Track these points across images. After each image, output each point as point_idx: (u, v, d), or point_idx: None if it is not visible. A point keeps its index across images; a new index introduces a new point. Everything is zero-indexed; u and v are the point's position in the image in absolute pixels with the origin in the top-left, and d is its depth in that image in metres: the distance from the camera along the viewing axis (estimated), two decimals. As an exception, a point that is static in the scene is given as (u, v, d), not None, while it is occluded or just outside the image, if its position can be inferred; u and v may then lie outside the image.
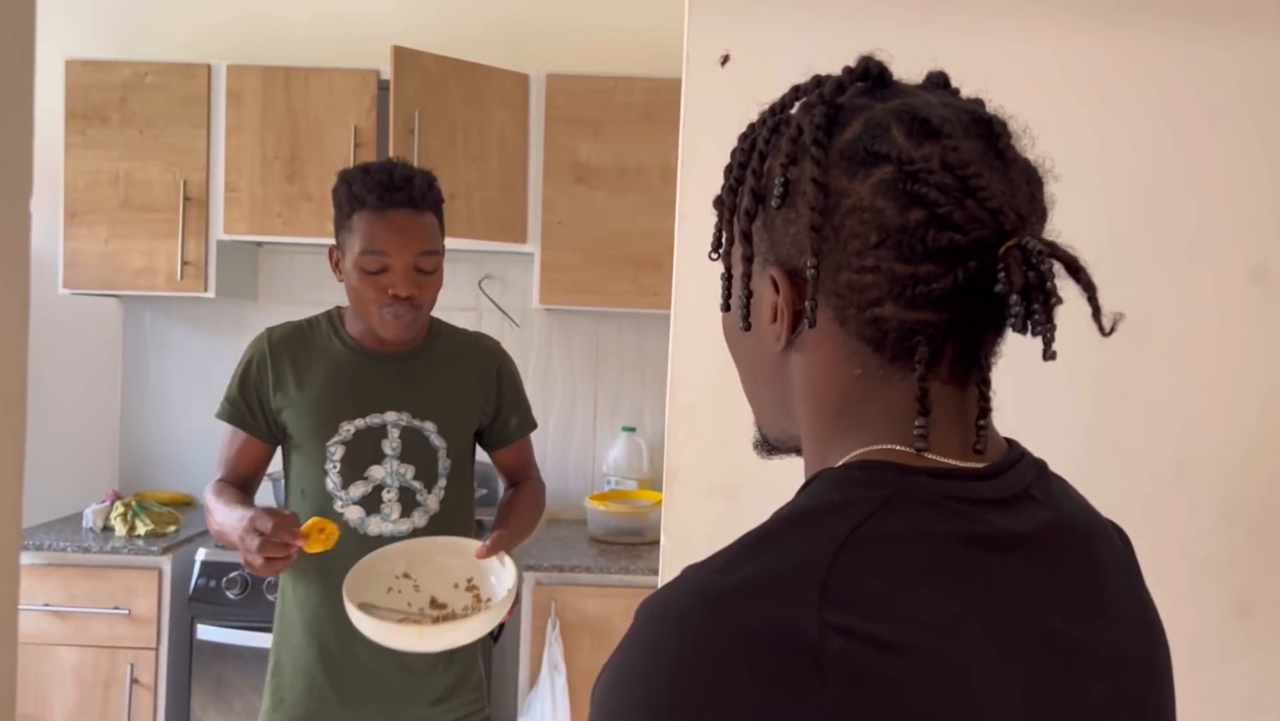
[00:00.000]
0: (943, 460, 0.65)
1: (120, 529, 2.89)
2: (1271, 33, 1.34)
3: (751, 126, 0.73)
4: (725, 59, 1.38)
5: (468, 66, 2.90)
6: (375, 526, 1.77)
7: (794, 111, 0.69)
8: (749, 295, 0.71)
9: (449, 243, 2.95)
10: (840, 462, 0.67)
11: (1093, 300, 0.63)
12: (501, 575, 1.70)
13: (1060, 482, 0.74)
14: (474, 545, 1.71)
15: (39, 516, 3.04)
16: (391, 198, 1.70)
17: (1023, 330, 0.62)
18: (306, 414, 1.77)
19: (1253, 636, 1.38)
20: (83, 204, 2.98)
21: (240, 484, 1.82)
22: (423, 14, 3.24)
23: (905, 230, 0.62)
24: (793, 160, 0.66)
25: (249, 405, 1.80)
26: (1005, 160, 0.65)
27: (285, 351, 1.80)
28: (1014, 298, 0.61)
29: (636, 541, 2.97)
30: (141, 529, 2.88)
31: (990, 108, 0.69)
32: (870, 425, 0.67)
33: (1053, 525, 0.68)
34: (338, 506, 1.77)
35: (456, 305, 3.32)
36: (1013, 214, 0.63)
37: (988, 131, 0.66)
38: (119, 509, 2.94)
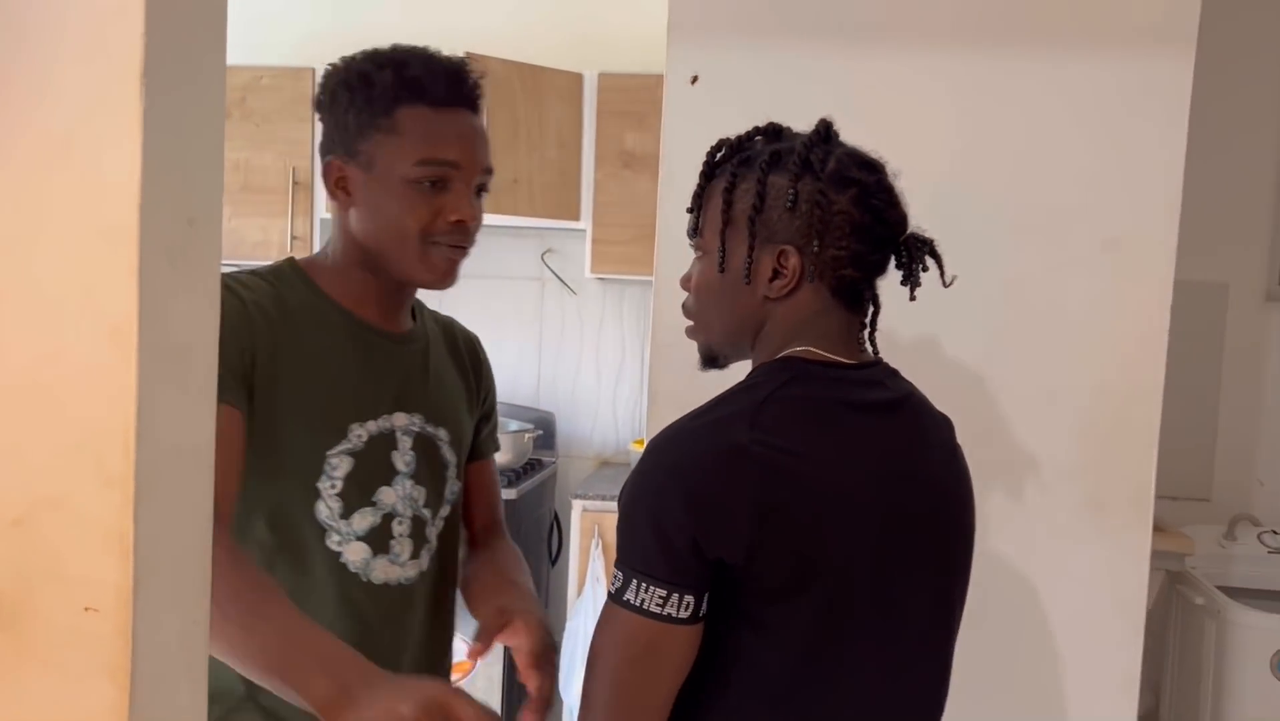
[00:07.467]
0: (832, 356, 1.09)
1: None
2: (1098, 50, 1.71)
3: (729, 147, 1.13)
4: (695, 79, 1.81)
5: (529, 68, 3.35)
6: (382, 571, 1.26)
7: (796, 146, 1.07)
8: (750, 261, 1.08)
9: (512, 220, 3.44)
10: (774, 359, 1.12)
11: (940, 265, 1.10)
12: None
13: (909, 384, 1.18)
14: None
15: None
16: (458, 93, 1.28)
17: (906, 283, 1.10)
18: (297, 409, 1.20)
19: (1103, 528, 1.76)
20: (210, 188, 3.54)
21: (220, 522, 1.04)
22: (492, 22, 3.71)
23: (864, 226, 1.07)
24: (799, 179, 1.05)
25: (237, 370, 1.15)
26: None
27: (263, 314, 1.20)
28: (912, 265, 1.10)
29: (673, 480, 3.41)
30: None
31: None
32: (803, 338, 1.10)
33: (894, 402, 1.12)
34: (332, 543, 1.23)
35: (522, 275, 3.80)
36: (907, 217, 1.11)
37: (882, 166, 1.11)
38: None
